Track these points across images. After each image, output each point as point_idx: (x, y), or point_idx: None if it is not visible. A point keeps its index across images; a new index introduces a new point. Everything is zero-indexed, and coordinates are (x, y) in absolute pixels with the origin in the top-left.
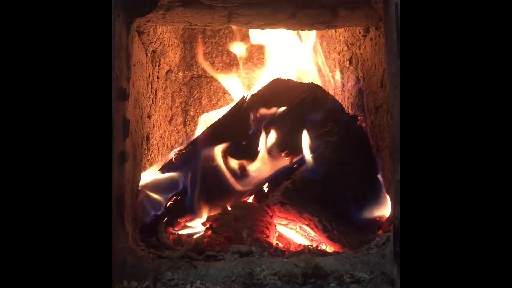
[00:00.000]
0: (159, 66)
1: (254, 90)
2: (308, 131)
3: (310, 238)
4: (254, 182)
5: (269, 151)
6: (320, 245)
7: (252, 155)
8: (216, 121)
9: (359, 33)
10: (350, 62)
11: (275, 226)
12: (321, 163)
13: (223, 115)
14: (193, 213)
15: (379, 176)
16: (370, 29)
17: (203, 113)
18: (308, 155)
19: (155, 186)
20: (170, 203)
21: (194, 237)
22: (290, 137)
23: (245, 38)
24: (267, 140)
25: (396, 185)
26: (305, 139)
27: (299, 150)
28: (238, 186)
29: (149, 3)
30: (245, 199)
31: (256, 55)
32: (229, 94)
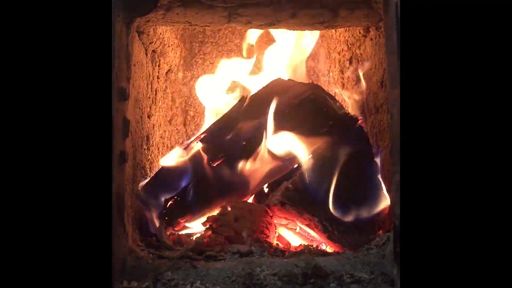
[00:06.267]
0: (159, 66)
1: (254, 90)
2: (308, 131)
3: (310, 238)
4: (254, 182)
5: (269, 151)
6: (320, 245)
7: (252, 155)
8: (216, 121)
9: (359, 33)
10: (350, 62)
11: (275, 226)
12: (321, 164)
13: (223, 115)
14: (193, 212)
15: (379, 176)
16: (370, 29)
17: (203, 113)
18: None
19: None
20: (170, 203)
21: (194, 237)
22: (290, 137)
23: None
24: (267, 140)
25: (396, 185)
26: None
27: (299, 150)
28: (238, 186)
29: (149, 3)
30: (245, 199)
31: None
32: (229, 94)
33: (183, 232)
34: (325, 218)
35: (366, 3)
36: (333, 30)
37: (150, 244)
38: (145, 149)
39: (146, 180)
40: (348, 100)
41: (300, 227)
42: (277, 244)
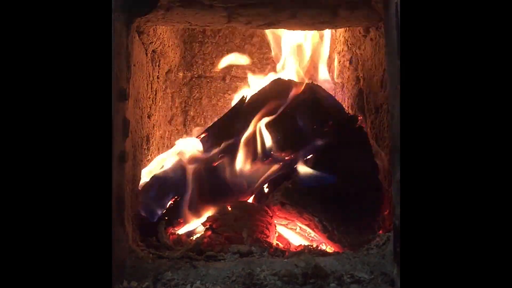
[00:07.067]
0: (159, 66)
1: (255, 90)
2: (308, 131)
3: (310, 238)
4: (254, 182)
5: (270, 151)
6: (320, 245)
7: (252, 155)
8: (216, 121)
9: (359, 33)
10: (350, 62)
11: (275, 226)
12: (321, 164)
13: (223, 115)
14: (193, 212)
15: (379, 176)
16: (370, 29)
17: (203, 113)
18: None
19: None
20: (171, 203)
21: (194, 237)
22: (290, 137)
23: (245, 38)
24: (268, 140)
25: (396, 185)
26: (305, 139)
27: (299, 150)
28: (237, 186)
29: (149, 3)
30: (245, 199)
31: (257, 55)
32: (229, 94)
33: (183, 232)
34: (325, 218)
35: (366, 3)
36: (333, 30)
37: (150, 244)
38: (145, 149)
39: (147, 180)
40: (348, 100)
41: (300, 227)
42: (277, 244)
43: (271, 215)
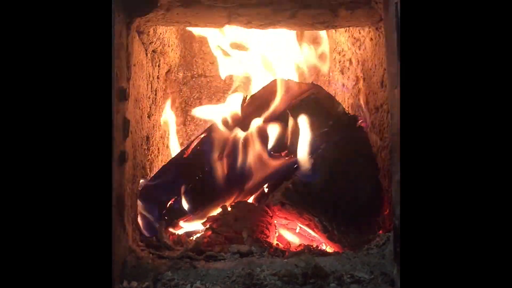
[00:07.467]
0: (159, 66)
1: (254, 90)
2: (308, 131)
3: (310, 238)
4: (254, 182)
5: (270, 151)
6: (320, 245)
7: (252, 155)
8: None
9: (359, 33)
10: (350, 62)
11: (275, 226)
12: (321, 164)
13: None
14: (193, 212)
15: (379, 176)
16: (370, 29)
17: None
18: (306, 157)
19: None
20: (170, 203)
21: (194, 237)
22: (290, 137)
23: None
24: (268, 140)
25: (396, 185)
26: (305, 139)
27: (299, 150)
28: (238, 186)
29: (149, 3)
30: (245, 199)
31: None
32: (230, 95)
33: (183, 232)
34: (325, 218)
35: (366, 3)
36: (333, 30)
37: (150, 244)
38: (145, 149)
39: (147, 180)
40: (348, 100)
41: (300, 227)
42: (277, 244)
43: (271, 215)
